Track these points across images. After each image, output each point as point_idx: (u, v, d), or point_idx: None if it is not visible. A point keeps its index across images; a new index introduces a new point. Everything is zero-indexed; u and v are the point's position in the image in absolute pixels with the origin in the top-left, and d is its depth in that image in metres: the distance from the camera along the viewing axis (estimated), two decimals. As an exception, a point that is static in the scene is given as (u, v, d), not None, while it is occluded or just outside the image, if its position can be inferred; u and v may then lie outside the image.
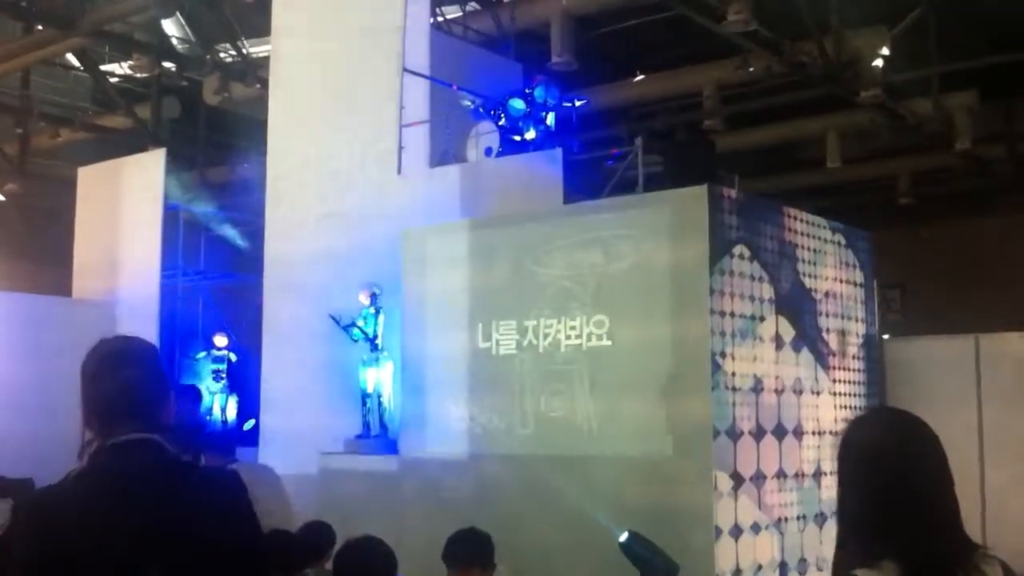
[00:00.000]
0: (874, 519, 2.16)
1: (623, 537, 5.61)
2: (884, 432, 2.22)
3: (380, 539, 4.07)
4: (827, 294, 10.49)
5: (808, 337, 10.14)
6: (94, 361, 2.54)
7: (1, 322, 13.79)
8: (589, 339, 9.84)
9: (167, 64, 17.19)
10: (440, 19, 15.34)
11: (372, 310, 11.72)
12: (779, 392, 9.68)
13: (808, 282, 10.25)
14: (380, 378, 11.74)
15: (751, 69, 14.77)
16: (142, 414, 2.46)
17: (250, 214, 15.73)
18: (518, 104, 12.44)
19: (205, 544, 2.35)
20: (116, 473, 2.42)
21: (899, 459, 2.18)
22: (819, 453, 10.07)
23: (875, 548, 2.13)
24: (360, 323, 11.67)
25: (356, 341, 11.74)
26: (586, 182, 11.62)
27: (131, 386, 2.47)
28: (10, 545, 2.42)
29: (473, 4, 16.03)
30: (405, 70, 12.62)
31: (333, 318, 11.69)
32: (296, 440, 12.41)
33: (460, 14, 15.92)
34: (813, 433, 10.03)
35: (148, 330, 14.43)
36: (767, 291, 9.67)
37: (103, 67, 18.08)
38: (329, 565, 6.14)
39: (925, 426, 2.23)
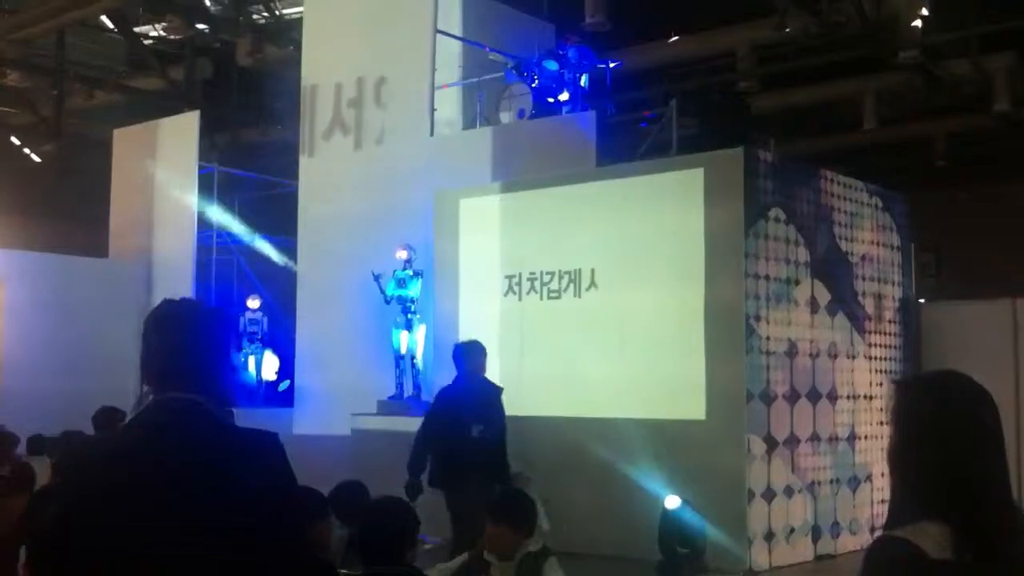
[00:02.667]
0: (929, 484, 2.14)
1: (675, 503, 5.61)
2: (950, 399, 2.20)
3: (401, 498, 4.11)
4: (863, 257, 10.41)
5: (844, 301, 10.07)
6: (151, 321, 2.57)
7: (38, 282, 13.93)
8: (623, 302, 9.82)
9: (200, 25, 17.19)
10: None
11: (410, 272, 11.74)
12: (814, 356, 9.63)
13: (844, 245, 10.17)
14: (413, 340, 11.78)
15: (787, 29, 14.57)
16: (188, 375, 2.49)
17: (284, 175, 15.75)
18: (551, 65, 12.35)
19: (230, 505, 2.36)
20: (153, 428, 2.46)
21: (964, 428, 2.16)
22: (853, 417, 10.03)
23: (925, 509, 2.11)
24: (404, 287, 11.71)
25: (388, 303, 11.78)
26: (620, 144, 11.55)
27: (178, 348, 2.52)
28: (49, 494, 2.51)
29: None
30: (437, 31, 12.57)
31: (375, 276, 11.72)
32: (329, 401, 12.50)
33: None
34: (848, 397, 9.99)
35: (183, 291, 14.47)
36: (802, 254, 9.61)
37: (137, 29, 18.09)
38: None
39: (986, 392, 2.21)
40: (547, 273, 10.35)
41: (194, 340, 2.53)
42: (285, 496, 2.48)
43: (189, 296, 2.76)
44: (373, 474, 8.69)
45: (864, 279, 10.42)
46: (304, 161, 13.80)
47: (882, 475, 10.21)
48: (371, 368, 12.13)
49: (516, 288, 10.57)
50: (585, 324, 9.99)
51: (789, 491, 9.22)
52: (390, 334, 11.85)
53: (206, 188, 15.43)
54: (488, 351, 8.16)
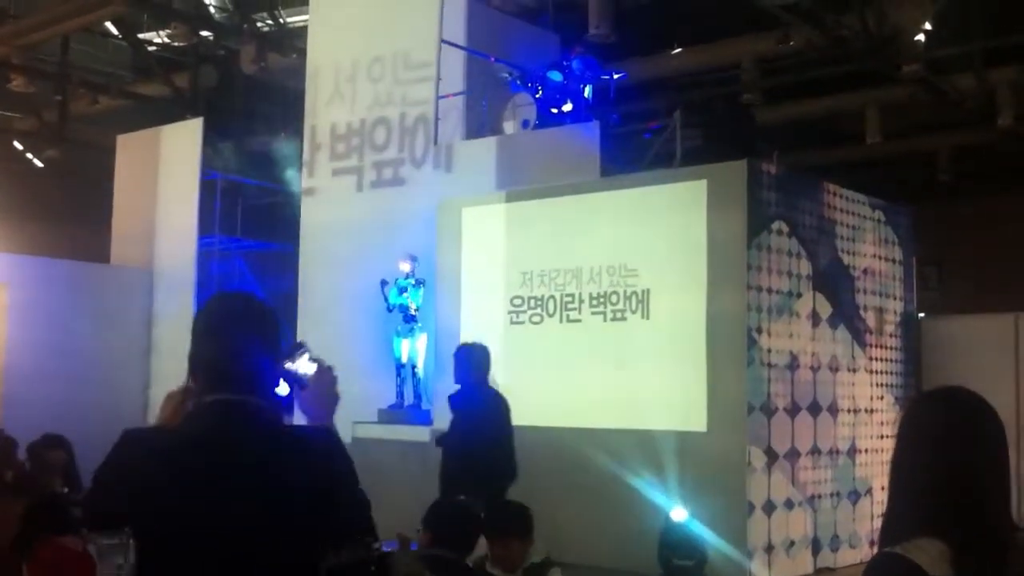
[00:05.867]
0: (930, 499, 2.14)
1: (682, 515, 5.61)
2: (957, 415, 2.20)
3: (471, 504, 4.37)
4: (865, 271, 10.42)
5: (845, 314, 10.07)
6: (203, 318, 2.55)
7: (41, 288, 13.92)
8: (624, 312, 9.82)
9: (204, 33, 17.21)
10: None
11: (412, 281, 11.74)
12: (815, 369, 9.63)
13: (846, 258, 10.17)
14: (414, 349, 11.77)
15: (791, 43, 14.58)
16: (240, 377, 2.47)
17: (286, 183, 15.77)
18: (556, 76, 12.36)
19: (287, 506, 2.42)
20: (205, 432, 2.46)
21: (969, 445, 2.16)
22: (854, 431, 10.03)
23: (924, 525, 2.12)
24: (405, 295, 11.68)
25: (390, 311, 11.79)
26: (624, 155, 11.57)
27: (233, 349, 2.48)
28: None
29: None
30: (442, 41, 12.58)
31: (382, 283, 11.72)
32: (330, 409, 12.46)
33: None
34: (848, 411, 9.99)
35: (184, 297, 14.55)
36: (805, 267, 9.62)
37: (141, 35, 18.13)
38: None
39: (993, 410, 2.22)
40: (548, 282, 10.35)
41: (248, 345, 2.50)
42: (331, 486, 2.58)
43: (242, 292, 2.75)
44: (373, 482, 8.70)
45: (866, 292, 10.42)
46: (306, 169, 13.76)
47: (882, 489, 10.20)
48: (372, 376, 12.10)
49: (517, 297, 10.57)
50: (585, 334, 9.98)
51: (790, 504, 9.21)
52: (391, 342, 11.84)
53: (209, 195, 15.43)
54: (490, 359, 8.20)
